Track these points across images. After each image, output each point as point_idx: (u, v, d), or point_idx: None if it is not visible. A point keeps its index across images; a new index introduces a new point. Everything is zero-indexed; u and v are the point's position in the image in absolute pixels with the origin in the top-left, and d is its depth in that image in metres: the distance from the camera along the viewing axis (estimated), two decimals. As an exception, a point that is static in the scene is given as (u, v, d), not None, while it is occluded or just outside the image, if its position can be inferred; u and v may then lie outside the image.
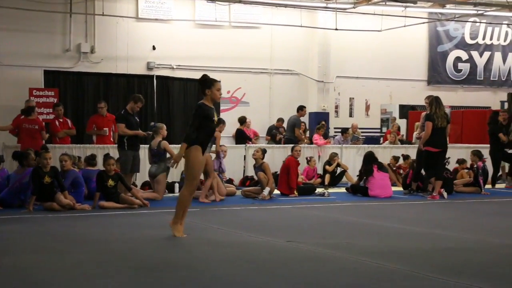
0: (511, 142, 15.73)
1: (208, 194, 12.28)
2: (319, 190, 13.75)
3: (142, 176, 13.39)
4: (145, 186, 13.25)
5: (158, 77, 18.08)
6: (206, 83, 8.10)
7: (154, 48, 20.09)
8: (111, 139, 14.02)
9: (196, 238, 8.04)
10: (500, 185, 15.61)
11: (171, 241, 7.88)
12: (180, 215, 8.08)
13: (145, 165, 13.00)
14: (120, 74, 18.26)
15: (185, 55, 20.43)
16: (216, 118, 8.17)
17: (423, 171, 13.59)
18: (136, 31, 19.97)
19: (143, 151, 13.00)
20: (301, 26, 20.94)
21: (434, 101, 13.17)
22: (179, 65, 20.34)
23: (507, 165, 16.03)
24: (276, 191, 13.32)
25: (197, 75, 18.90)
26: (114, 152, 12.58)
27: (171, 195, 13.10)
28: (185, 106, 18.16)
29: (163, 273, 6.10)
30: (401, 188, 14.35)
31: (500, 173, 15.97)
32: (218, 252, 7.24)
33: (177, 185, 13.37)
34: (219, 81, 8.21)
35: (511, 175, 15.75)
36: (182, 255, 7.06)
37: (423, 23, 22.88)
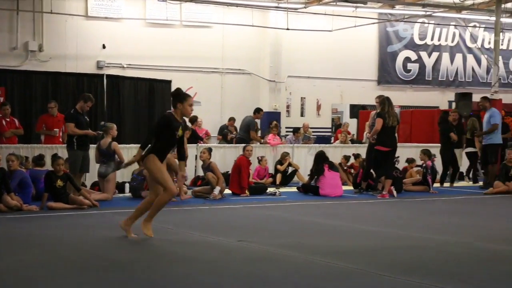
0: (461, 141, 16.03)
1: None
2: (270, 189, 13.77)
3: (91, 176, 13.20)
4: (95, 186, 13.06)
5: (108, 76, 17.90)
6: (179, 97, 7.94)
7: (104, 46, 19.87)
8: (60, 139, 13.79)
9: (147, 238, 7.96)
10: (447, 183, 15.88)
11: (121, 241, 7.79)
12: (153, 216, 7.98)
13: (95, 165, 12.82)
14: (69, 73, 18.01)
15: (135, 54, 20.27)
16: (180, 133, 7.98)
17: (372, 170, 13.75)
18: (85, 30, 19.72)
19: (93, 151, 12.82)
20: (252, 26, 21.00)
21: (386, 101, 13.36)
22: (129, 64, 20.17)
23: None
24: (228, 191, 13.29)
25: (148, 75, 19.08)
26: (63, 152, 12.38)
27: (121, 195, 12.96)
28: (136, 106, 18.01)
29: (113, 274, 6.03)
30: (351, 187, 14.48)
31: (449, 171, 16.26)
32: (169, 251, 7.20)
33: (127, 185, 13.23)
34: (192, 97, 8.10)
35: (452, 181, 16.00)
36: (133, 255, 6.98)
37: (373, 23, 23.18)
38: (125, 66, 20.09)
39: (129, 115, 17.79)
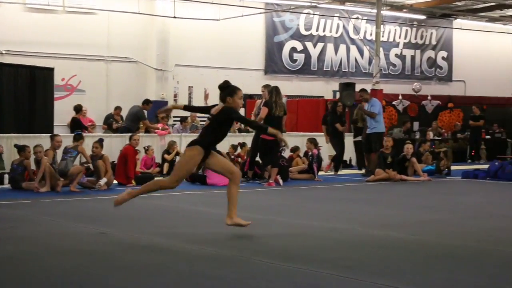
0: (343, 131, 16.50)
1: (40, 185, 11.81)
2: (157, 179, 13.60)
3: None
4: (-29, 178, 12.47)
5: (-15, 62, 17.06)
6: (228, 90, 7.50)
7: (-20, 32, 18.96)
8: None
9: (27, 231, 7.68)
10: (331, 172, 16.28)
11: (1, 234, 7.48)
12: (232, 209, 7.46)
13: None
14: None
15: (15, 40, 19.47)
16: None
17: (259, 159, 13.87)
18: (-41, 13, 18.76)
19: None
20: (139, 13, 20.65)
21: (274, 90, 13.52)
22: (8, 51, 19.36)
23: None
24: (113, 181, 13.04)
25: (29, 61, 18.33)
26: None
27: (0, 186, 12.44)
28: (16, 94, 17.24)
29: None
30: (239, 176, 14.53)
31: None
32: (49, 243, 6.96)
33: (6, 176, 12.68)
34: (241, 89, 7.67)
35: (337, 170, 16.40)
36: (10, 248, 6.69)
37: (260, 13, 23.35)
38: (3, 52, 19.27)
39: (9, 104, 16.98)
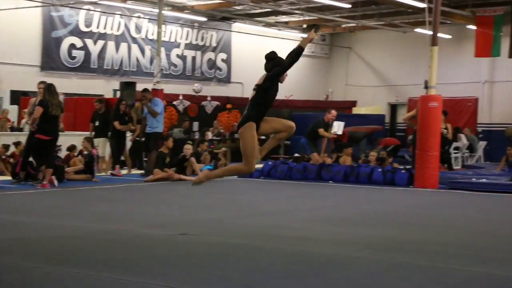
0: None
1: None
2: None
3: None
4: None
5: None
6: (275, 62, 7.61)
7: None
8: None
9: None
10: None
11: None
12: (220, 176, 8.31)
13: None
14: None
15: None
16: None
17: (33, 159, 13.28)
18: None
19: None
20: None
21: (47, 89, 13.04)
22: None
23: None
24: None
25: None
26: None
27: None
28: None
29: None
30: (10, 177, 13.80)
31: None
32: None
33: None
34: None
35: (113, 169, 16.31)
36: None
37: (37, 6, 22.36)
38: None
39: None
